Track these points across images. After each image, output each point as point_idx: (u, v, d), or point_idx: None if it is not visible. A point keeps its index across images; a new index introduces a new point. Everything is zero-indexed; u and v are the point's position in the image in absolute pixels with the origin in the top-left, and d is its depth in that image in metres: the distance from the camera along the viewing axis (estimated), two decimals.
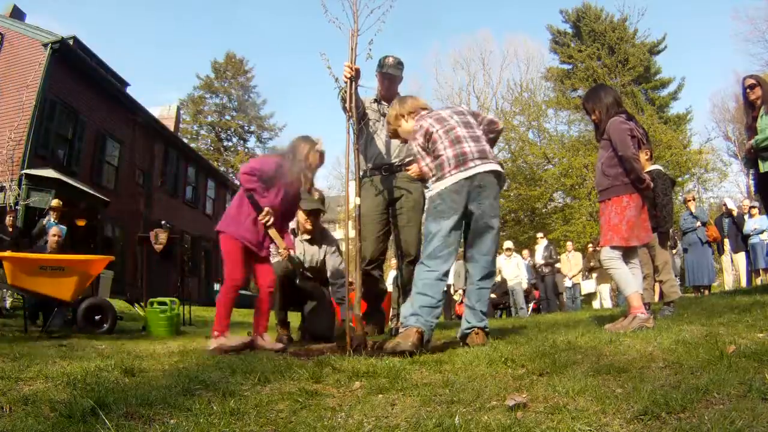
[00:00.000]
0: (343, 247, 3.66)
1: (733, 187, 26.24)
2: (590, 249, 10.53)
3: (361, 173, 3.50)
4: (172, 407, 1.51)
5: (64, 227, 7.20)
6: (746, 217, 8.71)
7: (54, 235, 6.34)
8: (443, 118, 2.79)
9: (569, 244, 11.33)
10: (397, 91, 3.96)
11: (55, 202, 8.00)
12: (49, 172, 11.18)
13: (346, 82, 3.17)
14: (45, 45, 11.98)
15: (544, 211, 21.74)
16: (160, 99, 52.14)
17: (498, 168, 2.69)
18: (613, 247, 2.99)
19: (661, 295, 4.40)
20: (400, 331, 2.59)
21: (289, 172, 3.14)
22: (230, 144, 32.88)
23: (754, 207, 8.50)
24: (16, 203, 10.40)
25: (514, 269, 10.03)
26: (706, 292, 8.21)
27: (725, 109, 27.86)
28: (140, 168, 16.20)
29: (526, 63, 26.37)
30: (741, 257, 8.90)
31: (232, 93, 32.78)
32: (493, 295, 9.89)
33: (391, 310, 5.45)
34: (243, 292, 3.90)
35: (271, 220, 3.11)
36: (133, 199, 15.24)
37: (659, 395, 1.37)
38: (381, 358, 2.20)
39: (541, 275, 10.33)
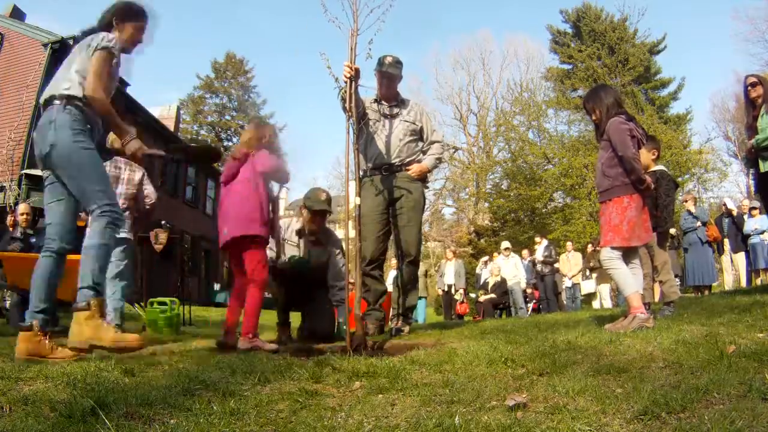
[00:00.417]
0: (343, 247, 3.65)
1: (733, 187, 26.28)
2: (590, 249, 10.52)
3: (361, 173, 3.50)
4: (172, 407, 1.51)
5: None
6: (746, 217, 8.70)
7: None
8: None
9: (569, 244, 11.32)
10: (397, 90, 3.95)
11: None
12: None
13: (345, 82, 3.17)
14: (45, 45, 11.99)
15: (544, 211, 21.77)
16: (160, 99, 52.10)
17: None
18: (614, 248, 2.99)
19: (661, 295, 4.40)
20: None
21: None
22: (230, 144, 32.87)
23: (754, 208, 8.49)
24: (16, 203, 10.39)
25: (512, 269, 10.07)
26: (706, 292, 8.21)
27: (725, 109, 27.92)
28: None
29: (526, 63, 26.48)
30: (741, 257, 8.89)
31: (232, 93, 32.80)
32: (492, 295, 9.93)
33: (391, 310, 5.44)
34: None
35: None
36: None
37: (659, 395, 1.37)
38: (381, 358, 2.21)
39: (540, 275, 10.35)
